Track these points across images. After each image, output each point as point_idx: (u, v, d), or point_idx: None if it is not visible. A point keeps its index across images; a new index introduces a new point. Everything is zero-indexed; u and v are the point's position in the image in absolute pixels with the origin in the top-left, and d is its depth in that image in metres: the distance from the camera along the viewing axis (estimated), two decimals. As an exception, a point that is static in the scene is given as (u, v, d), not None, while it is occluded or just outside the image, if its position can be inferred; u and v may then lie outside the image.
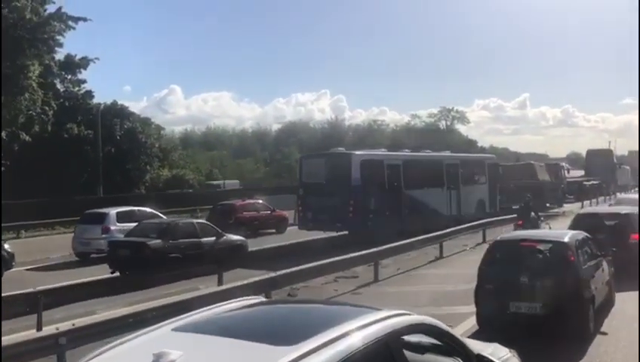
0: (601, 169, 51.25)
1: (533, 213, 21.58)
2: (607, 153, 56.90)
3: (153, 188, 48.47)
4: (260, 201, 29.80)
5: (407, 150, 28.73)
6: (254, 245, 23.21)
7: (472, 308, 9.70)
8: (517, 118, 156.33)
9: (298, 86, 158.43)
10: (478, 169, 31.22)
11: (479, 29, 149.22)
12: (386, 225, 22.84)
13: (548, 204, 37.46)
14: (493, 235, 23.46)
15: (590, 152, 57.21)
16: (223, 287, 11.20)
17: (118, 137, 44.47)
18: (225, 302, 4.25)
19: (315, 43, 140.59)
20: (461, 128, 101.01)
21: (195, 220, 18.44)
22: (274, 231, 28.25)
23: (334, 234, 23.76)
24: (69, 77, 43.30)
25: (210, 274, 14.52)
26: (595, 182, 47.00)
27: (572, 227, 14.14)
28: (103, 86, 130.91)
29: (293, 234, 24.86)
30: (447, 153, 30.95)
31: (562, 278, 8.93)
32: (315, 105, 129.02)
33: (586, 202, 38.28)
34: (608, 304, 10.85)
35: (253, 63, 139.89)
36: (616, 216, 15.35)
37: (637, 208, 17.05)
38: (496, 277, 9.39)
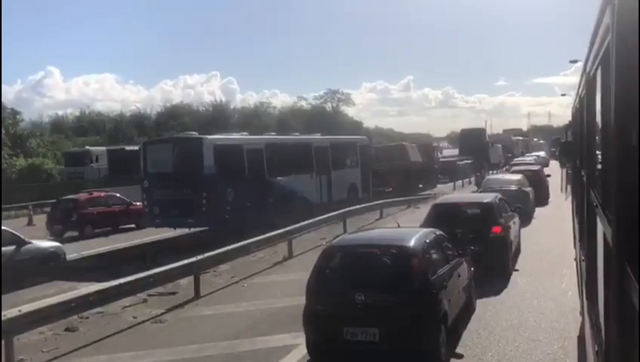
0: (474, 148, 51.48)
1: None
2: (480, 132, 57.02)
3: (6, 180, 43.09)
4: (117, 195, 26.12)
5: (273, 133, 26.34)
6: (101, 245, 20.25)
7: (300, 335, 7.48)
8: (402, 100, 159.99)
9: (186, 68, 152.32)
10: (350, 152, 29.38)
11: (367, 13, 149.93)
12: (247, 218, 20.41)
13: (420, 185, 36.61)
14: (356, 225, 21.81)
15: (463, 132, 57.13)
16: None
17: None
18: None
19: (203, 22, 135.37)
20: (349, 110, 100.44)
21: None
22: (134, 226, 24.95)
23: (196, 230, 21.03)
24: None
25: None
26: (468, 162, 46.98)
27: (427, 220, 12.47)
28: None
29: (154, 231, 21.66)
30: (317, 136, 28.86)
31: (406, 295, 6.86)
32: (204, 88, 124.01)
33: (458, 182, 37.80)
34: (467, 312, 9.05)
35: (137, 44, 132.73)
36: (476, 206, 13.49)
37: (500, 194, 15.56)
38: (327, 295, 7.17)
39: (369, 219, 23.54)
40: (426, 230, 8.43)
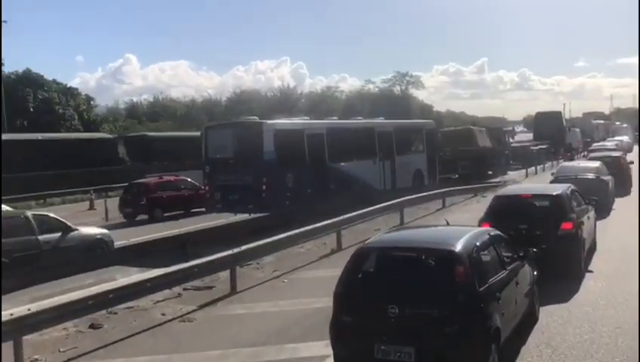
0: (551, 132, 48.70)
1: None
2: (556, 115, 53.53)
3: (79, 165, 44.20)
4: (187, 179, 25.93)
5: (335, 118, 25.38)
6: (167, 228, 19.90)
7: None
8: (475, 83, 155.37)
9: (258, 54, 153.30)
10: (415, 136, 28.05)
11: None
12: (307, 205, 19.66)
13: (490, 172, 34.71)
14: (415, 215, 20.53)
15: (539, 115, 53.77)
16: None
17: (31, 109, 39.85)
18: None
19: (274, 9, 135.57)
20: (420, 93, 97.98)
21: (32, 212, 14.67)
22: (204, 210, 24.61)
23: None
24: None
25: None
26: (543, 147, 44.40)
27: (487, 214, 11.23)
28: (51, 57, 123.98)
29: (220, 215, 20.93)
30: (380, 120, 27.66)
31: (448, 309, 5.76)
32: (275, 73, 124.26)
33: (531, 169, 35.58)
34: (527, 323, 7.81)
35: (211, 31, 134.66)
36: (544, 198, 11.80)
37: (572, 185, 13.80)
38: (357, 306, 6.15)
39: (430, 209, 22.25)
40: (478, 230, 7.18)
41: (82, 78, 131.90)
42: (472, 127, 36.75)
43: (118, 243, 15.46)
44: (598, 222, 14.75)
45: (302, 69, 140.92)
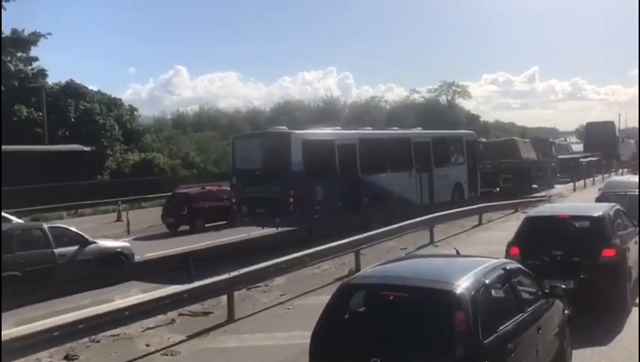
0: (602, 143, 46.19)
1: None
2: (609, 125, 50.56)
3: (119, 175, 44.38)
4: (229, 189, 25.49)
5: (369, 128, 24.27)
6: (209, 238, 19.34)
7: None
8: (526, 92, 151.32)
9: (304, 64, 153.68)
10: (455, 147, 26.63)
11: (487, 3, 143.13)
12: (338, 218, 18.66)
13: (535, 186, 32.88)
14: (446, 233, 19.07)
15: (589, 125, 51.05)
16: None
17: (72, 119, 40.10)
18: None
19: (320, 20, 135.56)
20: (468, 103, 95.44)
21: (48, 225, 14.18)
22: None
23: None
24: (19, 55, 39.00)
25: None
26: (593, 159, 42.05)
27: (516, 238, 9.95)
28: (104, 68, 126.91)
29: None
30: (418, 130, 26.41)
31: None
32: (321, 84, 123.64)
33: (580, 183, 33.55)
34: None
35: (259, 42, 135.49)
36: (582, 220, 10.16)
37: (618, 204, 11.98)
38: (335, 355, 5.10)
39: (465, 226, 20.85)
40: (490, 263, 5.86)
41: (134, 90, 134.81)
42: (515, 137, 34.91)
43: (148, 255, 14.69)
44: None
45: (348, 79, 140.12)
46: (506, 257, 9.28)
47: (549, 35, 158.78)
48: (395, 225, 17.18)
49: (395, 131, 24.61)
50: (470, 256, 6.71)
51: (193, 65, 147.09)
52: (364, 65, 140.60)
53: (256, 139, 20.86)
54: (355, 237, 14.74)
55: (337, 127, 23.09)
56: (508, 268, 5.96)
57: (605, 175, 39.26)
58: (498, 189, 30.10)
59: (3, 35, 34.56)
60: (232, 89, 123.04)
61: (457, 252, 6.62)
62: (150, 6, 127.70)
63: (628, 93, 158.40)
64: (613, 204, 11.32)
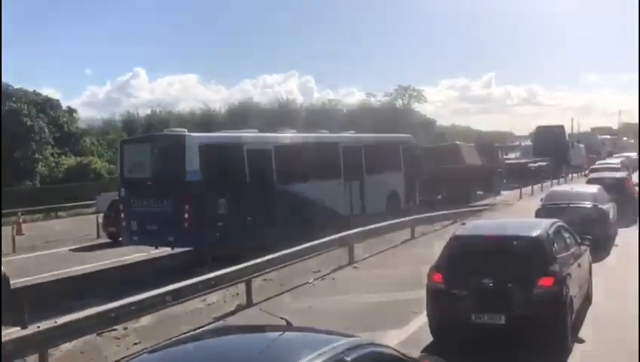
0: (552, 148, 44.20)
1: None
2: (558, 129, 48.38)
3: (52, 180, 40.66)
4: None
5: (293, 131, 21.38)
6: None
7: None
8: (483, 97, 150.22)
9: (266, 67, 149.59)
10: (390, 153, 23.94)
11: (445, 9, 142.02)
12: (248, 236, 15.73)
13: (480, 193, 30.40)
14: (371, 250, 16.57)
15: (539, 129, 48.71)
16: None
17: (-2, 121, 36.31)
18: None
19: (281, 22, 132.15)
20: (425, 107, 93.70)
21: None
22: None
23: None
24: None
25: None
26: (542, 164, 39.94)
27: (440, 262, 8.31)
28: (57, 68, 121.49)
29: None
30: (349, 133, 23.57)
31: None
32: (282, 87, 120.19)
33: (526, 189, 31.19)
34: None
35: (219, 44, 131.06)
36: (517, 241, 8.38)
37: (561, 218, 10.08)
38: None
39: (395, 241, 18.14)
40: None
41: (91, 92, 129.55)
42: (457, 142, 32.26)
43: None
44: (595, 264, 10.94)
45: (310, 83, 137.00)
46: (427, 284, 8.28)
47: (505, 40, 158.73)
48: (306, 245, 14.43)
49: (321, 135, 21.73)
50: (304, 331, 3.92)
51: (152, 67, 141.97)
52: (326, 69, 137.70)
53: (147, 143, 17.56)
54: (250, 263, 12.00)
55: (254, 130, 20.07)
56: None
57: (554, 180, 37.21)
58: (440, 197, 27.49)
59: None
60: (192, 91, 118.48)
61: (288, 323, 3.81)
62: (107, 6, 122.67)
63: (581, 99, 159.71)
64: (554, 220, 9.48)
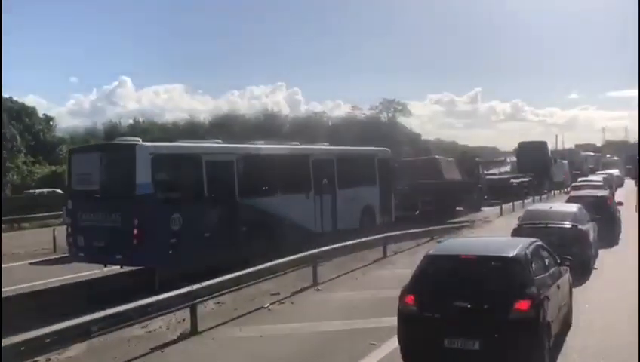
0: (535, 164, 43.30)
1: None
2: (541, 145, 47.55)
3: (24, 188, 39.05)
4: None
5: (261, 142, 20.10)
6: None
7: None
8: (469, 112, 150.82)
9: (253, 78, 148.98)
10: (365, 166, 22.70)
11: (433, 25, 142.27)
12: (205, 255, 14.39)
13: (460, 209, 29.22)
14: (338, 269, 15.25)
15: (522, 145, 47.82)
16: None
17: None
18: None
19: (270, 34, 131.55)
20: (412, 121, 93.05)
21: None
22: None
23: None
24: None
25: None
26: (525, 180, 38.93)
27: (414, 282, 7.81)
28: (44, 78, 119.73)
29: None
30: (322, 145, 22.29)
31: None
32: (269, 99, 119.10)
33: (507, 206, 30.07)
34: None
35: (207, 55, 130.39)
36: (493, 262, 7.77)
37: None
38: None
39: (366, 260, 16.92)
40: None
41: (76, 100, 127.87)
42: (437, 156, 31.06)
43: None
44: (574, 290, 10.29)
45: (297, 95, 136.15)
46: (399, 306, 7.75)
47: (491, 57, 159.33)
48: (265, 265, 13.19)
49: (289, 146, 20.44)
50: None
51: (139, 76, 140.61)
52: (314, 81, 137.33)
53: (96, 152, 16.11)
54: (196, 286, 10.76)
55: (218, 140, 18.77)
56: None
57: (536, 197, 36.21)
58: (418, 213, 26.26)
59: None
60: (179, 101, 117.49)
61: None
62: (93, 14, 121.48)
63: (565, 116, 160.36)
64: (532, 239, 8.90)
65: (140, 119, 77.98)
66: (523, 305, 7.13)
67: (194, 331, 10.23)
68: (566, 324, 9.31)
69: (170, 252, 14.44)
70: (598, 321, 10.02)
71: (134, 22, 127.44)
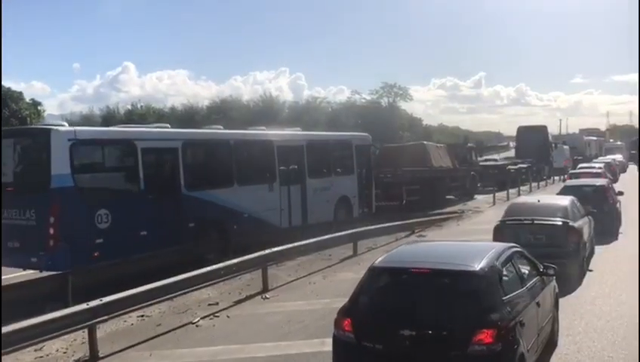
0: (534, 149, 40.54)
1: None
2: (541, 129, 44.20)
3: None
4: None
5: (220, 127, 17.61)
6: None
7: None
8: (472, 97, 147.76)
9: (257, 64, 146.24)
10: (341, 153, 20.24)
11: (438, 9, 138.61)
12: (142, 255, 12.10)
13: (451, 197, 26.67)
14: (297, 272, 12.99)
15: (521, 129, 44.58)
16: None
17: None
18: None
19: (274, 19, 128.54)
20: (414, 106, 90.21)
21: None
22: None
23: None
24: None
25: None
26: (523, 166, 36.20)
27: (352, 303, 6.15)
28: (49, 63, 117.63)
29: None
30: (289, 131, 19.72)
31: None
32: (273, 84, 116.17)
33: (502, 194, 27.41)
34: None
35: (210, 40, 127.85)
36: (451, 276, 5.95)
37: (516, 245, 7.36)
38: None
39: (332, 259, 14.59)
40: None
41: (80, 86, 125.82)
42: (425, 142, 28.23)
43: None
44: (563, 299, 8.60)
45: (300, 80, 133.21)
46: (335, 332, 6.05)
47: (495, 41, 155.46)
48: (201, 270, 10.82)
49: (250, 132, 17.94)
50: None
51: (142, 62, 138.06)
52: (318, 66, 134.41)
53: (8, 139, 13.64)
54: (108, 299, 8.63)
55: (166, 125, 16.33)
56: None
57: (534, 184, 33.55)
58: (404, 203, 23.74)
59: None
60: (182, 87, 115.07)
61: None
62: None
63: (569, 100, 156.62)
64: (508, 244, 7.12)
65: (139, 105, 75.39)
66: (486, 335, 5.33)
67: (93, 357, 8.10)
68: (550, 343, 7.54)
69: (96, 254, 12.10)
70: (586, 343, 7.93)
71: (137, 7, 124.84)
